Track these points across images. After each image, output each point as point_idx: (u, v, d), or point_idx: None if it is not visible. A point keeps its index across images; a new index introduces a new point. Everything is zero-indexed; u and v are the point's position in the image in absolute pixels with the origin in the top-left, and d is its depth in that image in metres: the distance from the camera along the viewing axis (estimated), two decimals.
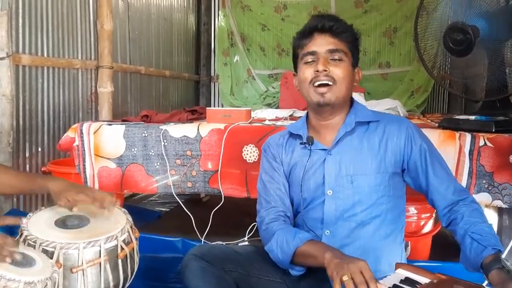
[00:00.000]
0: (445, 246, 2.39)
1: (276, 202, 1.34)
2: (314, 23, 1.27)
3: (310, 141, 1.30)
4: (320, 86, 1.25)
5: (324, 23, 1.26)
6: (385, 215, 1.27)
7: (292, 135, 1.38)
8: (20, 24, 2.49)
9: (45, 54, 2.69)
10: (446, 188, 1.23)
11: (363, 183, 1.26)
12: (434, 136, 1.89)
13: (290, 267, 1.23)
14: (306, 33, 1.29)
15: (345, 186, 1.27)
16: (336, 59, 1.25)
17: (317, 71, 1.24)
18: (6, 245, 1.07)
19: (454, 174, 1.82)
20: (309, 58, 1.27)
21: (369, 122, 1.31)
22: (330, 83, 1.24)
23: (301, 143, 1.34)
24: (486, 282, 1.05)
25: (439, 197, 1.23)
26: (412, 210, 2.10)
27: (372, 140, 1.29)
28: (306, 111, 1.41)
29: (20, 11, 2.49)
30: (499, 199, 1.83)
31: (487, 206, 1.82)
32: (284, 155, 1.37)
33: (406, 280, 1.06)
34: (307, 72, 1.27)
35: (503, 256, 1.04)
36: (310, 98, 1.28)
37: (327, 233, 1.27)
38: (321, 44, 1.26)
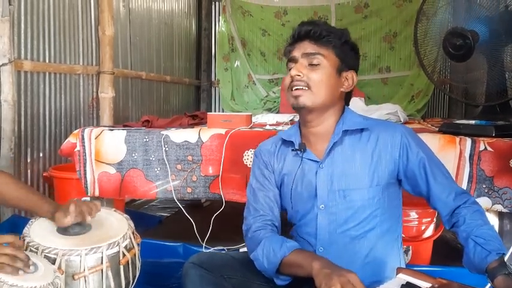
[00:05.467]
0: (446, 251, 2.39)
1: (265, 210, 1.31)
2: (294, 31, 1.27)
3: (302, 148, 1.28)
4: (296, 89, 1.24)
5: (301, 29, 1.25)
6: (379, 227, 1.25)
7: (285, 142, 1.35)
8: (22, 30, 2.51)
9: (47, 60, 2.70)
10: (448, 195, 1.21)
11: (356, 197, 1.23)
12: (435, 141, 1.89)
13: (275, 277, 1.21)
14: (289, 43, 1.29)
15: (338, 201, 1.24)
16: (314, 64, 1.23)
17: (292, 76, 1.24)
18: (18, 257, 1.07)
19: (454, 179, 1.82)
20: (291, 65, 1.27)
21: (361, 131, 1.27)
22: (304, 87, 1.22)
23: (293, 150, 1.31)
24: (489, 285, 1.05)
25: (441, 204, 1.22)
26: (413, 214, 2.11)
27: (365, 151, 1.25)
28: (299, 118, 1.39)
29: (22, 17, 2.50)
30: (500, 203, 1.83)
31: (487, 210, 1.82)
32: (276, 164, 1.35)
33: (407, 285, 1.06)
34: (287, 78, 1.27)
35: (505, 259, 1.04)
36: (289, 101, 1.28)
37: (321, 249, 1.26)
38: (299, 49, 1.25)
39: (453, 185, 1.24)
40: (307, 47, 1.24)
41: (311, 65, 1.24)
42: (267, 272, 1.22)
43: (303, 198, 1.28)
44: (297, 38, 1.26)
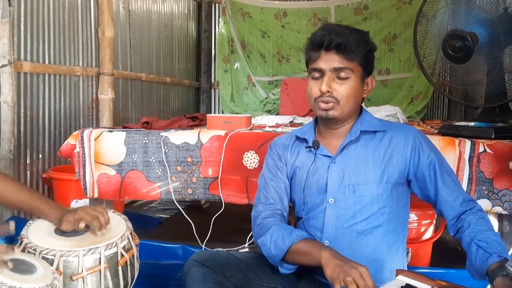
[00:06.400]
0: (445, 253, 2.39)
1: (275, 200, 1.34)
2: (322, 39, 1.24)
3: (315, 145, 1.31)
4: (324, 103, 1.26)
5: (331, 40, 1.23)
6: (387, 225, 1.27)
7: (299, 139, 1.39)
8: (22, 32, 2.51)
9: (47, 61, 2.70)
10: (455, 199, 1.23)
11: (365, 192, 1.26)
12: (434, 142, 1.88)
13: (280, 264, 1.23)
14: (315, 47, 1.27)
15: (347, 195, 1.27)
16: (342, 78, 1.24)
17: (322, 91, 1.25)
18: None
19: None
20: (316, 74, 1.27)
21: (375, 132, 1.30)
22: (333, 102, 1.25)
23: (306, 147, 1.34)
24: (489, 287, 1.05)
25: (448, 207, 1.23)
26: (413, 216, 2.11)
27: (377, 150, 1.28)
28: (313, 117, 1.41)
29: (22, 18, 2.51)
30: (499, 205, 1.83)
31: (487, 212, 1.82)
32: (289, 157, 1.38)
33: (407, 286, 1.06)
34: (313, 89, 1.27)
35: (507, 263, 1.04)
36: (315, 111, 1.31)
37: (326, 243, 1.27)
38: (327, 61, 1.24)
39: (461, 191, 1.26)
40: (335, 60, 1.23)
41: (339, 78, 1.24)
42: (273, 259, 1.23)
43: (312, 191, 1.31)
44: (325, 47, 1.24)
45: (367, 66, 1.28)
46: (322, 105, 1.26)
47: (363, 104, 1.39)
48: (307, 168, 1.32)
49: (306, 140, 1.36)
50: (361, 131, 1.29)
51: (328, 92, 1.24)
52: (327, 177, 1.29)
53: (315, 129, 1.37)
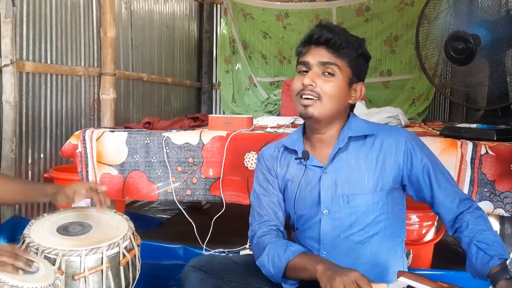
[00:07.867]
0: (447, 255, 2.39)
1: (269, 216, 1.31)
2: (312, 33, 1.22)
3: (305, 156, 1.27)
4: (305, 98, 1.22)
5: (321, 35, 1.20)
6: (383, 231, 1.25)
7: (288, 149, 1.34)
8: (24, 32, 2.52)
9: (49, 61, 2.70)
10: (452, 200, 1.21)
11: (360, 202, 1.23)
12: (436, 144, 1.89)
13: (283, 282, 1.20)
14: (305, 42, 1.25)
15: (341, 206, 1.24)
16: (328, 73, 1.20)
17: (304, 84, 1.21)
18: (19, 256, 1.07)
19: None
20: (302, 68, 1.24)
21: (365, 137, 1.27)
22: (315, 98, 1.20)
23: (296, 158, 1.30)
24: None
25: (445, 209, 1.21)
26: (414, 218, 2.10)
27: (369, 157, 1.25)
28: (303, 122, 1.36)
29: (24, 18, 2.51)
30: (501, 207, 1.83)
31: (489, 214, 1.82)
32: (279, 169, 1.34)
33: None
34: (297, 83, 1.23)
35: (507, 263, 1.04)
36: (296, 108, 1.26)
37: (324, 254, 1.25)
38: (315, 55, 1.21)
39: (457, 191, 1.24)
40: (324, 55, 1.20)
41: (325, 74, 1.21)
42: (274, 277, 1.21)
43: (306, 204, 1.28)
44: (314, 42, 1.22)
45: (356, 71, 1.24)
46: (303, 100, 1.21)
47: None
48: (298, 181, 1.28)
49: (295, 151, 1.31)
50: (349, 137, 1.25)
51: (311, 85, 1.19)
52: (319, 188, 1.25)
53: (303, 137, 1.33)
